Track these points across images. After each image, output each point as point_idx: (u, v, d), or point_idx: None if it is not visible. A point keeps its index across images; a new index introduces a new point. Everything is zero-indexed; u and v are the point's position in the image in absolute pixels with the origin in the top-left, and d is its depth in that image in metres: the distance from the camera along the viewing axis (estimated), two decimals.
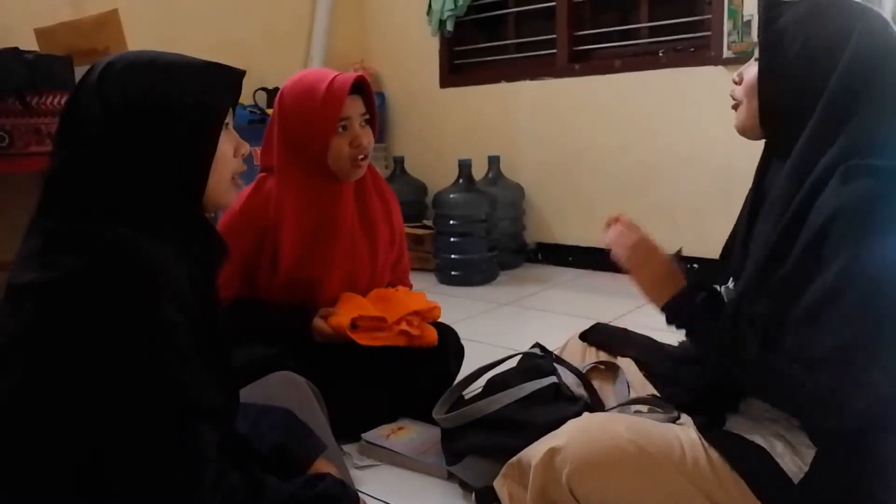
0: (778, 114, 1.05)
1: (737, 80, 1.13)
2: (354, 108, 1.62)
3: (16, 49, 2.11)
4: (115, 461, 0.82)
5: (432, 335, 1.68)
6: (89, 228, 0.85)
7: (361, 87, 1.65)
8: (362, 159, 1.63)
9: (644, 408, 1.30)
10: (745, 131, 1.11)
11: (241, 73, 0.98)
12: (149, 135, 0.88)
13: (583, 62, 3.44)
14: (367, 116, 1.66)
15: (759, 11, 1.08)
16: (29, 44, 2.31)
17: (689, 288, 1.07)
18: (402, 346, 1.64)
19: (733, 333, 1.00)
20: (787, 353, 0.94)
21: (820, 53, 1.00)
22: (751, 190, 1.14)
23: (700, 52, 3.02)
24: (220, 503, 0.84)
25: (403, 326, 1.63)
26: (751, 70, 1.08)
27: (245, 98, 3.35)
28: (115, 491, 0.82)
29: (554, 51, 3.52)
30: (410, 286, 1.89)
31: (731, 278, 1.13)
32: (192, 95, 0.91)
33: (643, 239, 1.15)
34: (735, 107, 1.12)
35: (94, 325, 0.81)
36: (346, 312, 1.60)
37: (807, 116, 0.99)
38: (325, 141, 1.59)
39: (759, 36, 1.07)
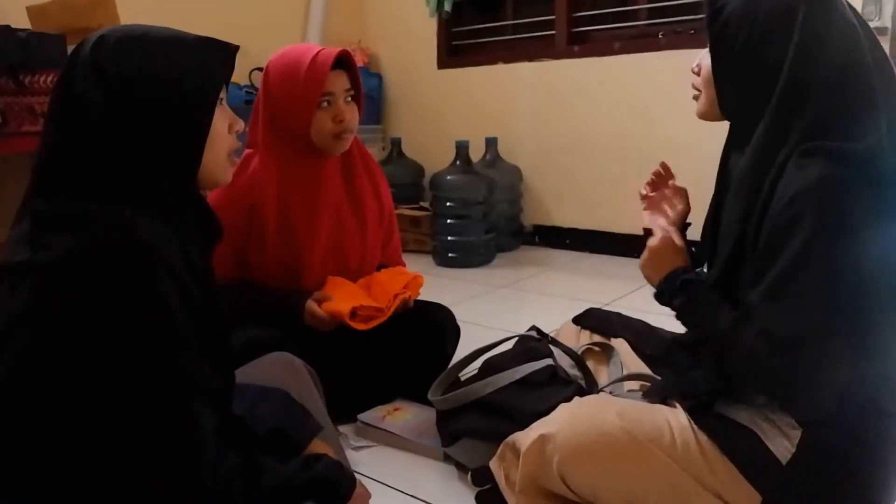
0: (735, 103, 1.06)
1: (695, 69, 1.13)
2: (338, 83, 1.60)
3: (7, 27, 2.09)
4: (113, 443, 0.81)
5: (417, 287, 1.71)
6: (83, 207, 0.84)
7: (347, 63, 1.63)
8: (346, 134, 1.63)
9: (636, 385, 1.31)
10: (705, 117, 1.13)
11: (234, 49, 0.97)
12: (144, 109, 0.87)
13: (581, 44, 3.41)
14: (353, 93, 1.65)
15: (704, 3, 1.08)
16: (21, 22, 2.28)
17: (680, 269, 1.10)
18: (398, 325, 1.63)
19: (709, 307, 1.02)
20: (754, 331, 0.95)
21: (767, 41, 0.99)
22: (717, 176, 1.14)
23: (700, 34, 2.98)
24: (219, 485, 0.85)
25: (395, 304, 1.63)
26: (707, 60, 1.09)
27: (241, 78, 3.33)
28: (114, 473, 0.82)
29: (552, 32, 3.49)
30: (404, 265, 1.88)
31: (706, 265, 1.15)
32: (187, 70, 0.90)
33: (668, 239, 1.18)
34: (696, 97, 1.13)
35: (90, 307, 0.81)
36: (343, 299, 1.60)
37: (763, 105, 0.99)
38: (307, 115, 1.58)
39: (706, 29, 1.07)
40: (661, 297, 1.12)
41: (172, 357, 0.84)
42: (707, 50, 1.08)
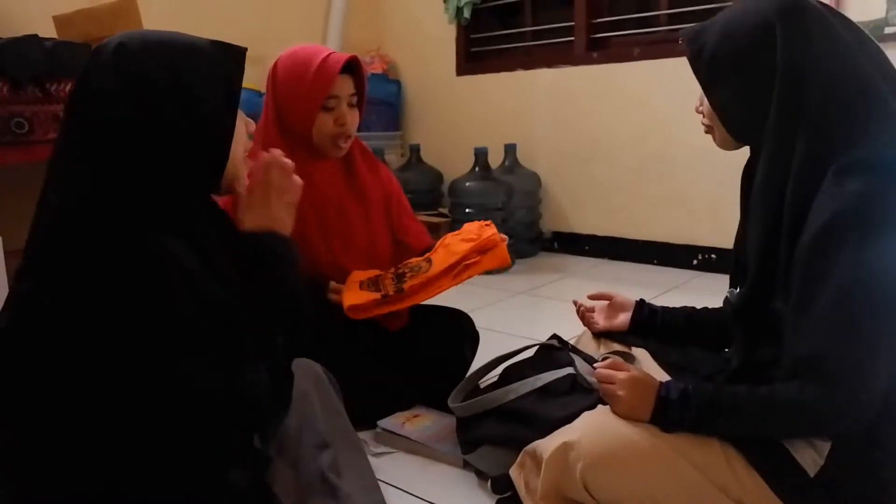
0: (744, 130, 1.07)
1: (699, 108, 1.14)
2: (344, 87, 1.62)
3: (34, 36, 2.12)
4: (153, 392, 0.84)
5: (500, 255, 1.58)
6: (100, 219, 0.84)
7: (355, 69, 1.65)
8: (344, 139, 1.64)
9: None
10: (726, 148, 1.14)
11: (244, 51, 0.98)
12: (174, 115, 0.88)
13: (601, 50, 3.40)
14: (356, 98, 1.66)
15: (684, 45, 1.10)
16: (47, 31, 2.32)
17: (660, 397, 1.03)
18: (418, 332, 1.63)
19: (726, 399, 0.99)
20: (791, 363, 0.94)
21: (753, 65, 1.00)
22: (741, 198, 1.15)
23: None
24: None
25: (463, 265, 1.56)
26: (705, 98, 1.11)
27: (262, 85, 3.35)
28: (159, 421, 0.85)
29: (571, 38, 3.48)
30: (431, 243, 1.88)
31: (738, 284, 1.13)
32: (210, 75, 0.92)
33: (623, 377, 1.09)
34: (709, 132, 1.14)
35: (116, 311, 0.82)
36: (349, 289, 1.59)
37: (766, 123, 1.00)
38: (310, 116, 1.60)
39: (694, 71, 1.08)
40: (672, 426, 1.02)
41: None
42: (702, 94, 1.11)
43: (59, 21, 2.43)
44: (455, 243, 1.63)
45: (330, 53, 1.61)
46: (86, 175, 0.86)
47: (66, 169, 0.88)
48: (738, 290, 1.12)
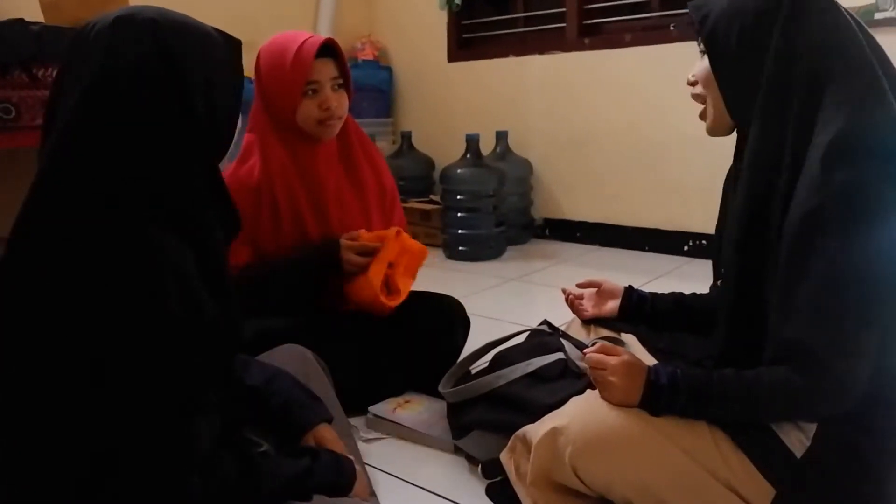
0: (741, 103, 1.05)
1: (692, 79, 1.13)
2: (325, 71, 1.60)
3: (21, 20, 2.10)
4: (104, 451, 0.81)
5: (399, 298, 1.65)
6: (93, 213, 0.82)
7: (335, 51, 1.63)
8: (330, 121, 1.62)
9: None
10: (715, 126, 1.12)
11: (240, 42, 0.98)
12: (198, 98, 0.88)
13: (592, 36, 3.40)
14: (341, 81, 1.64)
15: (690, 12, 1.09)
16: (34, 15, 2.29)
17: (650, 381, 1.02)
18: (409, 317, 1.63)
19: (717, 385, 1.00)
20: (776, 348, 0.95)
21: (755, 32, 1.00)
22: (728, 183, 1.15)
23: None
24: (213, 493, 0.85)
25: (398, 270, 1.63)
26: (701, 64, 1.09)
27: (251, 72, 3.33)
28: (103, 481, 0.81)
29: (563, 25, 3.47)
30: None
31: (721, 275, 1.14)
32: (227, 60, 0.93)
33: (613, 362, 1.08)
34: (702, 113, 1.13)
35: (96, 321, 0.80)
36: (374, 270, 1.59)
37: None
38: (292, 103, 1.59)
39: (699, 38, 1.07)
40: (661, 411, 1.02)
41: (172, 372, 0.83)
42: (699, 61, 1.10)
43: (47, 5, 2.39)
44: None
45: (306, 39, 1.58)
46: (97, 152, 0.83)
47: (74, 141, 0.83)
48: (720, 281, 1.13)
